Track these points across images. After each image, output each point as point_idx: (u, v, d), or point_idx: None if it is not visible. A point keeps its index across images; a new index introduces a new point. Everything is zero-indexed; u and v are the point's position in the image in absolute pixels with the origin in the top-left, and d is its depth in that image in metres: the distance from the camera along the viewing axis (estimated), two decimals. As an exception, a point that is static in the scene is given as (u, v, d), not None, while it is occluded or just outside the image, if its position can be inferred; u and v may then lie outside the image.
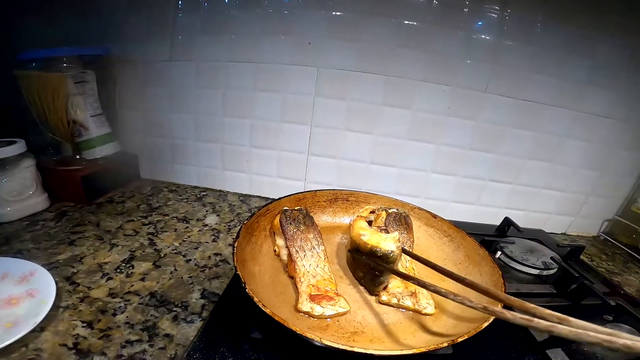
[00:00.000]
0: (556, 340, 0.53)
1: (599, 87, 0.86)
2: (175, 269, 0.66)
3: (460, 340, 0.41)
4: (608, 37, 0.82)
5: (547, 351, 0.52)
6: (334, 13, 0.84)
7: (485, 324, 0.43)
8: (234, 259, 0.48)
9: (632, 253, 0.94)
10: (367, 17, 0.83)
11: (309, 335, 0.39)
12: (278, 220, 0.62)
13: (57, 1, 0.93)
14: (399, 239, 0.55)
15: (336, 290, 0.55)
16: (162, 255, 0.70)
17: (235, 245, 0.51)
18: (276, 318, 0.40)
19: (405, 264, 0.61)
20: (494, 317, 0.43)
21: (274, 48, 0.88)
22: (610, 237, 1.02)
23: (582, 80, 0.86)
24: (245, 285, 0.43)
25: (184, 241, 0.75)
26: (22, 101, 0.84)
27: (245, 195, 1.03)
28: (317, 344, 0.38)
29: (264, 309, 0.41)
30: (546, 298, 0.67)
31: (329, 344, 0.38)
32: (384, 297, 0.55)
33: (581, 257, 0.85)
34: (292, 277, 0.57)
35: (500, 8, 0.81)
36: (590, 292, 0.63)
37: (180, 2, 0.89)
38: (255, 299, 0.42)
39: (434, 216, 0.71)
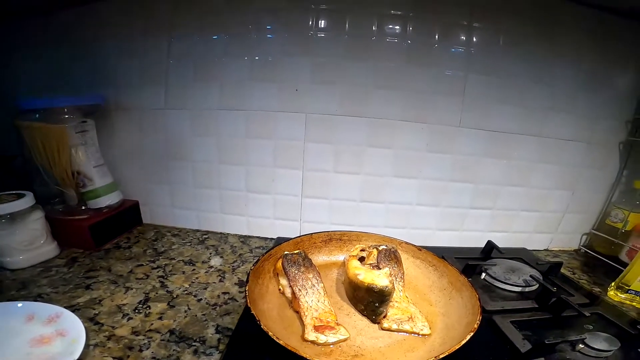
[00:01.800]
0: (538, 351, 0.59)
1: (561, 112, 0.95)
2: (189, 308, 0.71)
3: (441, 356, 0.48)
4: (562, 61, 0.91)
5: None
6: (317, 59, 0.90)
7: (463, 342, 0.50)
8: (246, 301, 0.55)
9: (612, 263, 0.97)
10: (345, 61, 0.90)
11: (317, 360, 0.46)
12: (280, 263, 0.69)
13: (52, 48, 0.98)
14: (390, 273, 0.63)
15: (336, 320, 0.62)
16: (175, 296, 0.74)
17: (247, 289, 0.57)
18: (289, 348, 0.47)
19: (399, 293, 0.69)
20: (470, 335, 0.51)
21: (263, 95, 0.93)
22: (590, 250, 1.08)
23: (544, 106, 0.94)
24: (259, 323, 0.50)
25: (193, 282, 0.80)
26: (25, 150, 0.86)
27: (245, 236, 1.06)
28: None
29: (278, 341, 0.48)
30: (529, 312, 0.73)
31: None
32: (385, 324, 0.63)
33: (564, 270, 0.92)
34: (297, 312, 0.64)
35: (466, 39, 0.89)
36: (568, 305, 0.69)
37: (171, 50, 0.93)
38: (270, 333, 0.49)
39: (419, 249, 0.79)
